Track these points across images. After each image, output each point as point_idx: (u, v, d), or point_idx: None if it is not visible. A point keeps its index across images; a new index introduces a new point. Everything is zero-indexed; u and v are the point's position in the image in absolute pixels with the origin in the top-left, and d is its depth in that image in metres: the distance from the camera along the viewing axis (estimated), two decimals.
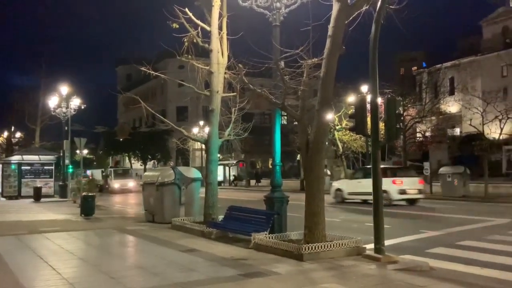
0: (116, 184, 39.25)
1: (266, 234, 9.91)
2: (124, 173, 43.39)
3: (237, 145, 50.68)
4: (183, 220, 13.49)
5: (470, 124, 29.40)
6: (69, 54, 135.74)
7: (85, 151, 64.11)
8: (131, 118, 74.06)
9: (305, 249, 8.45)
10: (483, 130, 27.15)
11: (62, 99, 30.31)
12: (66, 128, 30.25)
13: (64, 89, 30.25)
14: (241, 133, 15.46)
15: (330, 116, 31.61)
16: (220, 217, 12.57)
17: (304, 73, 9.81)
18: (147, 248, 10.72)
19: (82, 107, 31.62)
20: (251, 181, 48.56)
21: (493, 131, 27.83)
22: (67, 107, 30.09)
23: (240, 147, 51.68)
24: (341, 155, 36.41)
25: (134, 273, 8.00)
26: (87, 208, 17.36)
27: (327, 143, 44.87)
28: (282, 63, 10.50)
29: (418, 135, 38.61)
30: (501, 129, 26.22)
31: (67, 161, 30.45)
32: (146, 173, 20.01)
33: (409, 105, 31.01)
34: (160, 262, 8.81)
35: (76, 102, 30.57)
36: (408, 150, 34.64)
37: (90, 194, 18.11)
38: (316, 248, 8.54)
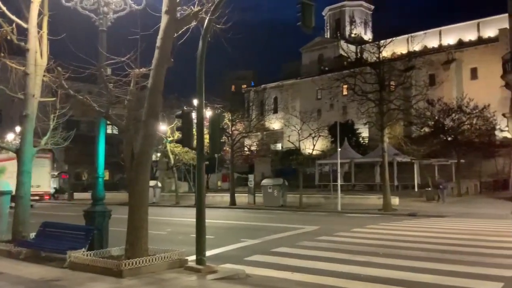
0: None
1: (84, 251, 9.27)
2: None
3: (60, 155, 46.72)
4: None
5: (289, 141, 32.33)
6: None
7: None
8: None
9: (125, 265, 8.14)
10: (299, 146, 30.10)
11: None
12: None
13: None
14: (61, 142, 14.30)
15: (163, 127, 31.71)
16: (33, 235, 11.33)
17: (131, 82, 9.58)
18: None
19: None
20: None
21: (308, 147, 31.04)
22: None
23: (63, 157, 47.78)
24: (172, 167, 36.42)
25: None
26: None
27: (159, 154, 44.55)
28: (109, 70, 10.08)
29: (245, 149, 40.88)
30: (314, 146, 29.41)
31: None
32: None
33: (237, 121, 32.71)
34: None
35: None
36: (235, 163, 36.40)
37: None
38: (137, 263, 8.30)
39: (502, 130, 40.08)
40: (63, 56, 11.86)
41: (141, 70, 9.33)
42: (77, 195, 44.54)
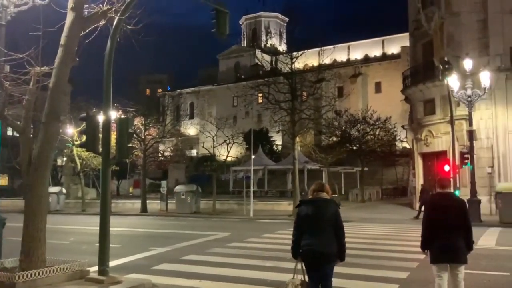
0: None
1: None
2: None
3: None
4: None
5: (203, 147, 32.19)
6: None
7: None
8: None
9: (18, 278, 7.51)
10: (214, 152, 30.07)
11: None
12: None
13: None
14: None
15: (70, 130, 29.92)
16: None
17: (31, 81, 8.94)
18: None
19: None
20: None
21: (223, 154, 31.12)
22: None
23: None
24: (79, 172, 34.47)
25: None
26: None
27: (65, 159, 42.00)
28: (7, 67, 9.34)
29: (159, 154, 39.93)
30: (228, 152, 29.57)
31: None
32: None
33: (150, 125, 31.85)
34: None
35: None
36: (148, 168, 35.45)
37: None
38: (33, 275, 7.70)
39: (401, 141, 43.31)
40: None
41: (42, 68, 8.74)
42: None
